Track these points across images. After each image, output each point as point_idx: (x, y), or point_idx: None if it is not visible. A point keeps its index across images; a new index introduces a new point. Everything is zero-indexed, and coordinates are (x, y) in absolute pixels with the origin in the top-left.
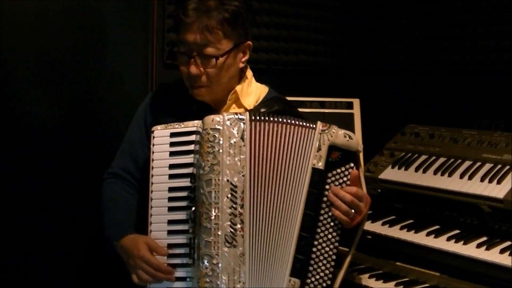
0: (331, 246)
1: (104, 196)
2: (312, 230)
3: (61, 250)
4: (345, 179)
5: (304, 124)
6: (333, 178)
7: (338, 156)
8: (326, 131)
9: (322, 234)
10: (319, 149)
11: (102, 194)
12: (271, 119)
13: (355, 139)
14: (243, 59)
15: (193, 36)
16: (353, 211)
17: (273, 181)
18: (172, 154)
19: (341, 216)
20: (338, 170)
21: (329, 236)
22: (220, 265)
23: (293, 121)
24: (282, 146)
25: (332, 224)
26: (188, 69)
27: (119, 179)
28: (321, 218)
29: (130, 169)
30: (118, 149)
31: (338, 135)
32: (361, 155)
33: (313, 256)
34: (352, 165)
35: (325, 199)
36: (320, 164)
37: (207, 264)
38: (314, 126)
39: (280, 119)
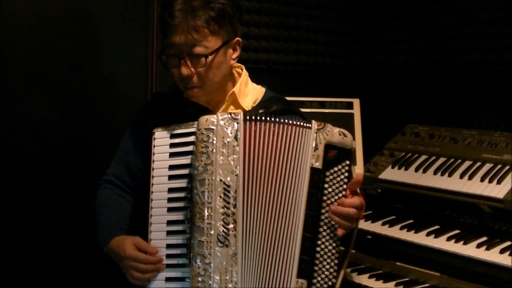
0: (334, 245)
1: (96, 201)
2: (315, 230)
3: (60, 251)
4: (342, 176)
5: (299, 123)
6: (331, 177)
7: (335, 154)
8: (322, 130)
9: (324, 233)
10: (316, 148)
11: (95, 200)
12: (266, 119)
13: (349, 136)
14: (234, 56)
15: (181, 37)
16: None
17: (269, 181)
18: (172, 155)
19: (343, 231)
20: (336, 169)
21: (331, 234)
22: (212, 264)
23: (288, 121)
24: (278, 146)
25: (333, 222)
26: (179, 70)
27: (113, 186)
28: (323, 217)
29: (124, 177)
30: (114, 156)
31: (334, 133)
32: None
33: (318, 256)
34: (348, 162)
35: (325, 198)
36: (318, 163)
37: (199, 263)
38: (310, 125)
39: (275, 119)
